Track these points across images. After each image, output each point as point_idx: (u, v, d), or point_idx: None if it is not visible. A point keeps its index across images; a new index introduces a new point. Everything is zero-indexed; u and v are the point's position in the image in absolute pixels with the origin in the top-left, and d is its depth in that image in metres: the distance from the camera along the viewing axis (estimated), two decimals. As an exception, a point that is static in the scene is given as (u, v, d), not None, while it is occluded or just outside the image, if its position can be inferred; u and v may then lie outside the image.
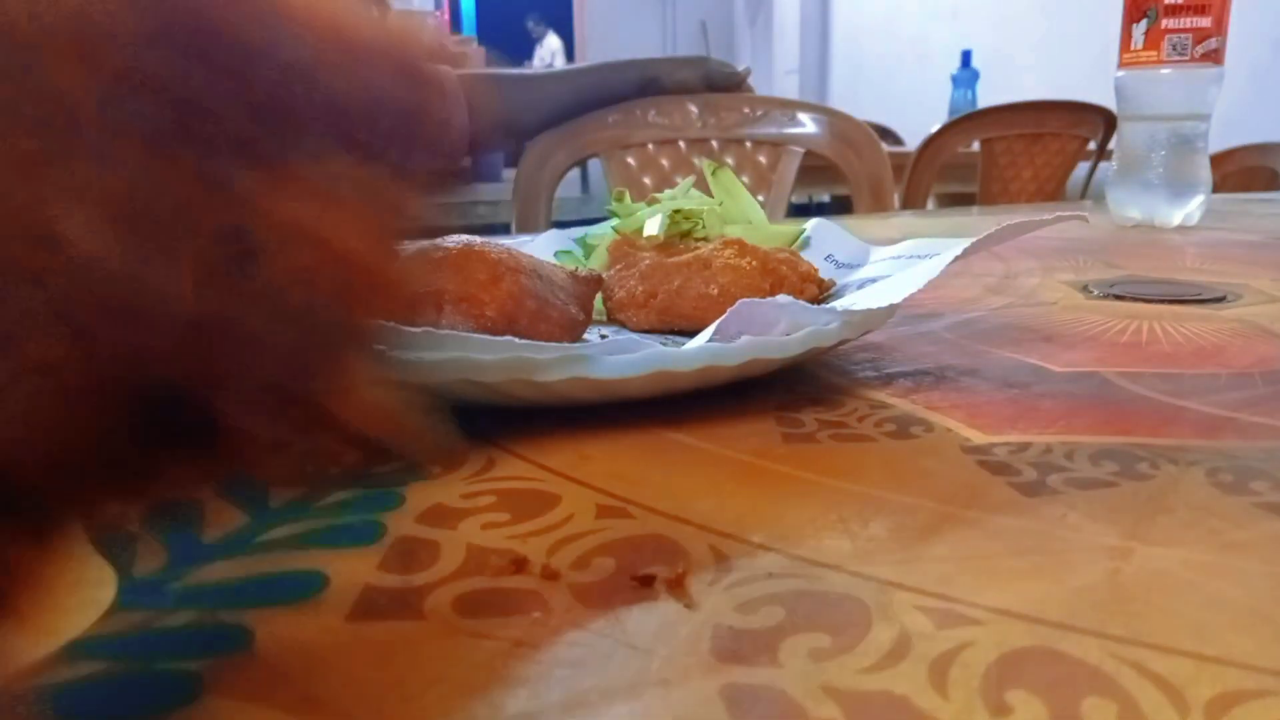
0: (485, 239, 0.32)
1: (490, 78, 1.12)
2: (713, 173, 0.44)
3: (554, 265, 0.34)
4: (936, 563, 0.18)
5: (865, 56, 4.27)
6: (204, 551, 0.19)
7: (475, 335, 0.25)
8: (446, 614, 0.17)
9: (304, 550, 0.19)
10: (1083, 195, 1.98)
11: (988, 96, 2.48)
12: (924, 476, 0.23)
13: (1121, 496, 0.21)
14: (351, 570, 0.18)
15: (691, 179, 0.46)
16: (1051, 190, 1.90)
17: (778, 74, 4.65)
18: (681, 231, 0.42)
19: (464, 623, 0.16)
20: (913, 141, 2.18)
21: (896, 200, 1.59)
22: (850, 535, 0.20)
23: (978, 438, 0.26)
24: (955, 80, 2.64)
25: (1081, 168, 1.96)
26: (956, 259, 0.30)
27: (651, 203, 0.44)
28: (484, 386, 0.25)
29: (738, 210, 0.44)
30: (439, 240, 0.32)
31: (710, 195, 0.45)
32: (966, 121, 1.87)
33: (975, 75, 2.62)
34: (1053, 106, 1.84)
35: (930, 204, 2.04)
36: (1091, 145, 1.90)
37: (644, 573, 0.18)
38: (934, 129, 1.82)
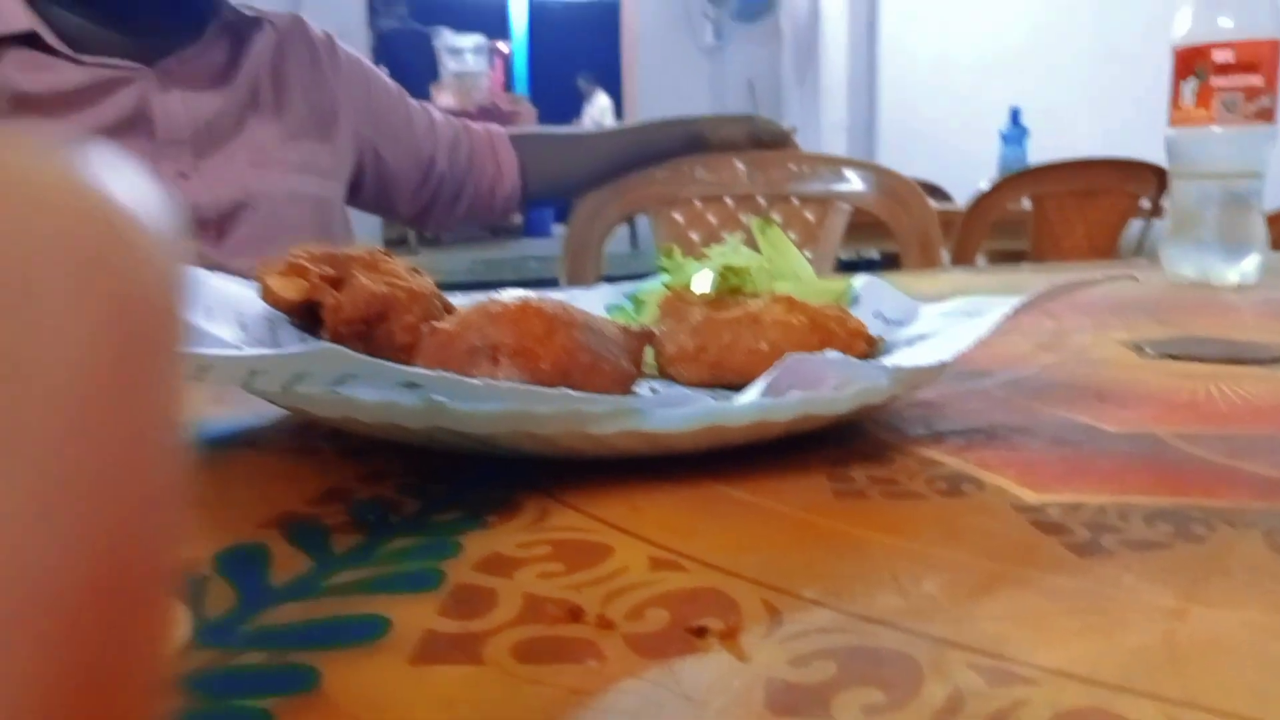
0: (541, 294, 0.33)
1: (542, 136, 1.15)
2: (761, 230, 0.45)
3: (606, 320, 0.35)
4: (989, 621, 0.18)
5: (913, 113, 4.29)
6: (273, 595, 0.20)
7: (531, 387, 0.25)
8: (505, 660, 0.17)
9: (368, 595, 0.20)
10: (1138, 252, 1.96)
11: (1039, 153, 2.47)
12: (976, 534, 0.23)
13: (1177, 557, 0.21)
14: (413, 615, 0.19)
15: (740, 235, 0.47)
16: (1105, 247, 1.89)
17: (826, 130, 4.69)
18: (731, 288, 0.42)
19: (522, 669, 0.17)
20: (962, 198, 2.18)
21: (946, 257, 1.59)
22: (902, 592, 0.20)
23: (1030, 496, 0.25)
24: (1005, 137, 2.64)
25: (1136, 224, 1.94)
26: (1006, 317, 0.30)
27: (701, 259, 0.44)
28: (539, 438, 0.25)
29: (786, 266, 0.45)
30: (496, 295, 0.33)
31: (759, 251, 0.45)
32: (1017, 179, 1.87)
33: (1024, 132, 2.62)
34: (1103, 164, 1.83)
35: (981, 261, 2.03)
36: (1145, 202, 1.88)
37: (697, 624, 0.18)
38: (983, 186, 1.82)
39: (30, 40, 0.78)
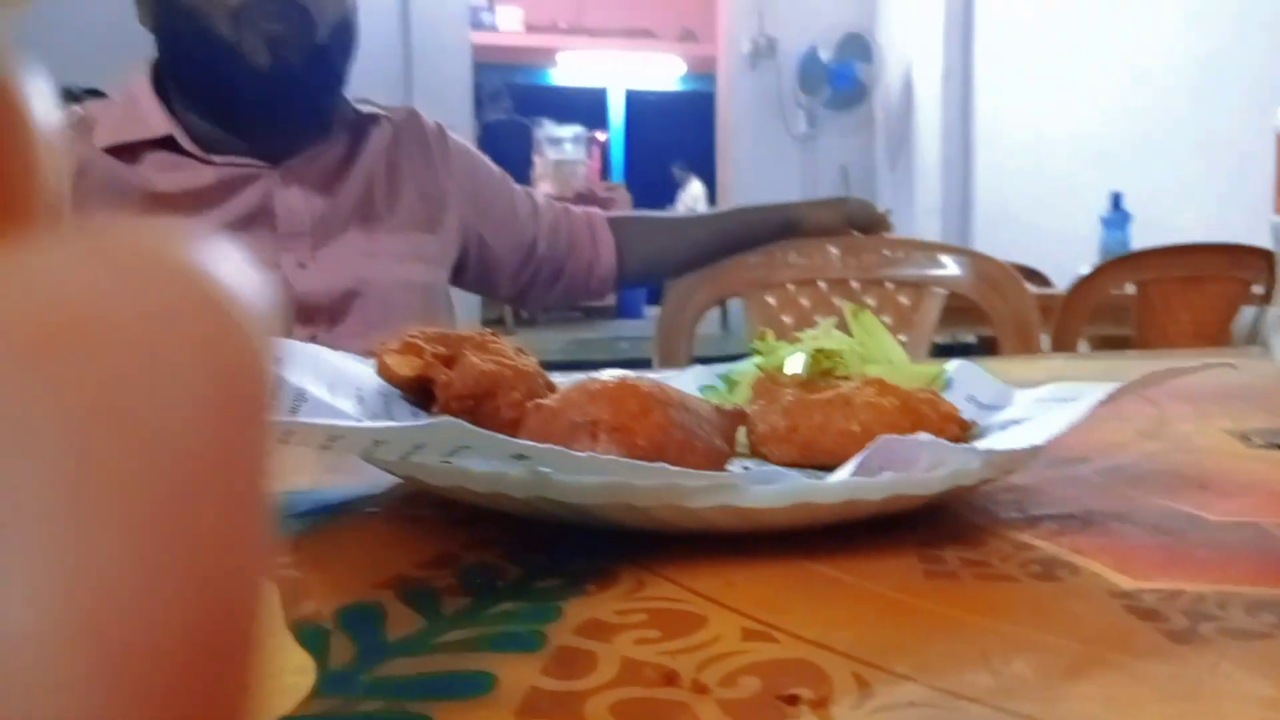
0: (639, 373, 0.35)
1: (638, 219, 1.18)
2: (854, 315, 0.46)
3: (700, 399, 0.36)
4: (1081, 702, 0.19)
5: (1009, 198, 4.25)
6: (388, 649, 0.21)
7: (631, 461, 0.27)
8: (604, 718, 0.18)
9: (475, 653, 0.21)
10: (1251, 340, 1.89)
11: (1142, 238, 2.42)
12: (1069, 618, 0.23)
13: (1277, 648, 0.21)
14: (518, 673, 0.20)
15: (833, 319, 0.48)
16: (1214, 334, 1.82)
17: (919, 215, 4.67)
18: (823, 370, 0.43)
19: (621, 727, 0.18)
20: (1062, 283, 2.14)
21: (1046, 342, 1.56)
22: (993, 671, 0.20)
23: (1126, 583, 0.25)
24: (1106, 222, 2.59)
25: (1250, 311, 1.87)
26: (1100, 403, 0.30)
27: (794, 341, 0.45)
28: (636, 510, 0.26)
29: (878, 350, 0.46)
30: (596, 374, 0.34)
31: (851, 335, 0.46)
32: (1118, 264, 1.83)
33: (1127, 217, 2.57)
34: (1210, 249, 1.78)
35: (1083, 346, 1.98)
36: (1260, 288, 1.82)
37: (789, 693, 0.19)
38: (1084, 271, 1.79)
39: (167, 143, 0.85)
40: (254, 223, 0.86)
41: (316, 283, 0.87)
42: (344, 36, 0.89)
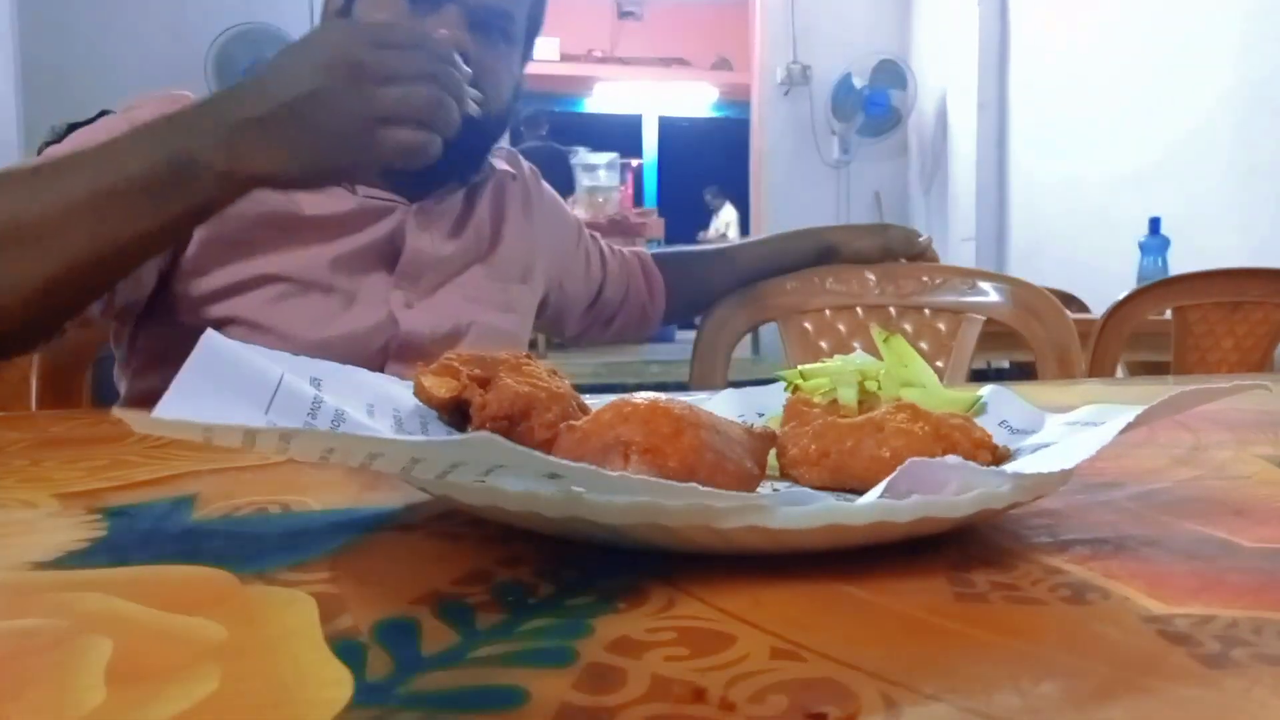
0: (670, 396, 0.35)
1: (684, 255, 1.19)
2: (884, 340, 0.46)
3: (731, 422, 0.36)
4: (1109, 724, 0.19)
5: (1044, 224, 4.22)
6: (423, 663, 0.22)
7: (662, 481, 0.27)
8: (634, 732, 0.18)
9: (508, 668, 0.21)
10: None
11: (1180, 264, 2.39)
12: (1099, 641, 0.23)
13: (1311, 673, 0.21)
14: (550, 688, 0.20)
15: (858, 348, 0.48)
16: (1257, 360, 1.79)
17: (953, 242, 4.65)
18: (864, 392, 0.43)
19: (650, 740, 0.18)
20: (1099, 309, 2.12)
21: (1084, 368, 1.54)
22: (1021, 692, 0.20)
23: (1157, 608, 0.25)
24: (1143, 247, 2.56)
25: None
26: (1130, 426, 0.30)
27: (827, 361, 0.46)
28: (667, 530, 0.27)
29: (911, 376, 0.46)
30: (629, 396, 0.35)
31: (881, 360, 0.46)
32: (1156, 289, 1.81)
33: (1165, 242, 2.54)
34: (1252, 274, 1.76)
35: (1120, 372, 1.96)
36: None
37: (817, 710, 0.19)
38: (1120, 296, 1.77)
39: None
40: (377, 258, 0.87)
41: (420, 324, 0.88)
42: (502, 110, 0.90)
